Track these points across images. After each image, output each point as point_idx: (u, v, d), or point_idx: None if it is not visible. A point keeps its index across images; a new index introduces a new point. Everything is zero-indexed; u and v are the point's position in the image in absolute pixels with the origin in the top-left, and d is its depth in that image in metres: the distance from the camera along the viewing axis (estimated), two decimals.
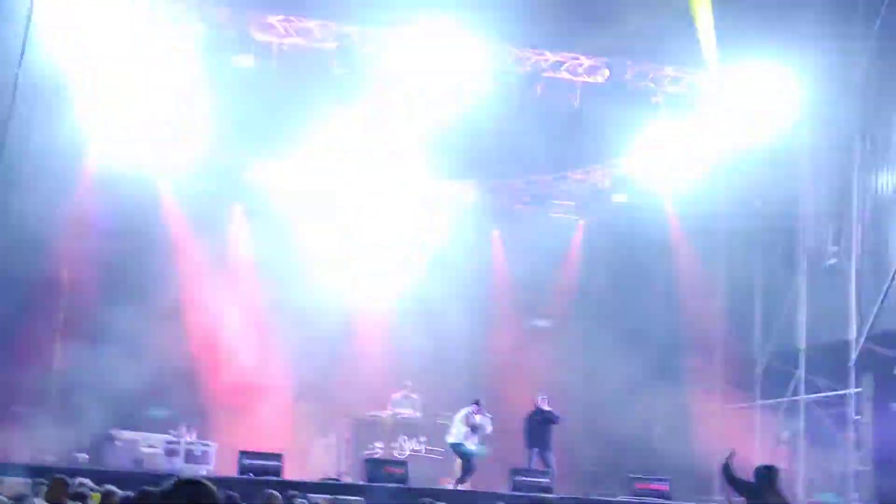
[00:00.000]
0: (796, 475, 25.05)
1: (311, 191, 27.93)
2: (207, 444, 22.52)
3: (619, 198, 29.86)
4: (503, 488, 20.74)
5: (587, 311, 29.52)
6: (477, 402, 21.98)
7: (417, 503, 13.66)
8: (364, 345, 27.23)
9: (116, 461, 21.66)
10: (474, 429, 21.79)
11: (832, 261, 23.93)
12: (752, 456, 26.04)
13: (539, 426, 22.52)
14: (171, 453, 21.98)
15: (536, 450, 22.34)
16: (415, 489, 19.69)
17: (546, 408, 22.64)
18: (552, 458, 22.36)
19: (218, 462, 22.22)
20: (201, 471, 21.49)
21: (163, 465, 21.63)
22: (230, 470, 20.44)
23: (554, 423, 22.64)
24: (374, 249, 28.47)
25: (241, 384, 26.03)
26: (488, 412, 22.01)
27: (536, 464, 22.11)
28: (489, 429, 21.96)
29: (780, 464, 25.89)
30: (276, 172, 28.30)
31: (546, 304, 29.57)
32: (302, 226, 27.89)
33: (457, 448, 21.90)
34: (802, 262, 24.75)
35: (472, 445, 21.80)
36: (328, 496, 17.38)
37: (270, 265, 26.29)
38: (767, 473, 12.28)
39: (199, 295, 26.46)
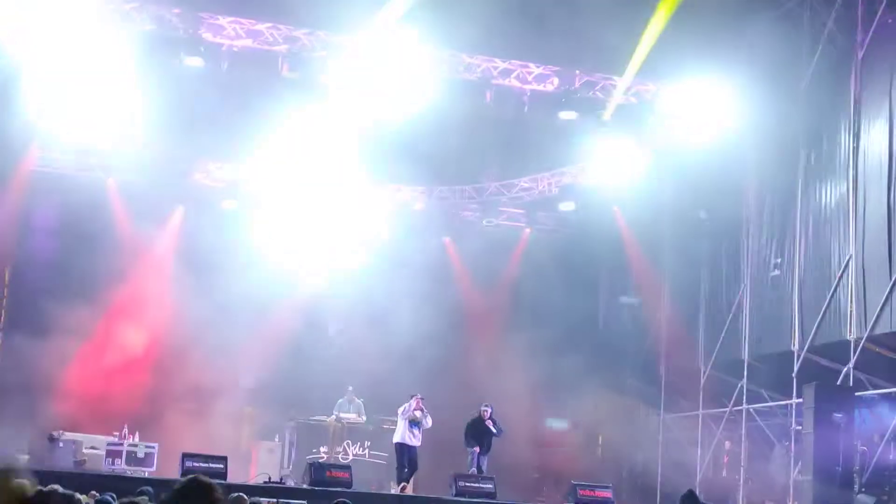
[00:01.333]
0: (737, 484, 25.29)
1: (258, 191, 27.84)
2: (150, 446, 22.35)
3: (567, 206, 30.04)
4: (446, 493, 20.71)
5: (531, 318, 29.58)
6: (415, 396, 21.89)
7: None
8: (309, 349, 27.13)
9: (58, 462, 21.43)
10: (413, 423, 21.69)
11: (775, 272, 24.14)
12: (694, 464, 26.38)
13: (480, 432, 22.55)
14: (112, 455, 21.79)
15: (476, 450, 22.36)
16: (359, 493, 19.68)
17: (488, 420, 22.67)
18: (486, 462, 22.40)
19: (160, 464, 22.06)
20: (143, 473, 21.36)
21: (104, 466, 21.44)
22: (173, 472, 20.32)
23: (496, 436, 22.68)
24: (321, 252, 28.36)
25: (186, 386, 25.87)
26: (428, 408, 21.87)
27: (476, 465, 22.12)
28: (429, 423, 21.80)
29: (722, 472, 26.35)
30: (224, 172, 28.20)
31: (493, 309, 29.54)
32: (248, 226, 27.78)
33: (400, 447, 21.82)
34: (746, 274, 24.98)
35: (413, 441, 21.72)
36: (272, 500, 17.30)
37: (216, 265, 26.11)
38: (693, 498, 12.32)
39: (144, 294, 26.27)
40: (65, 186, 25.95)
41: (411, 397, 21.82)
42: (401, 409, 21.83)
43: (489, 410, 22.69)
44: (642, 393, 29.72)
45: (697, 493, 13.72)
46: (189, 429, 27.76)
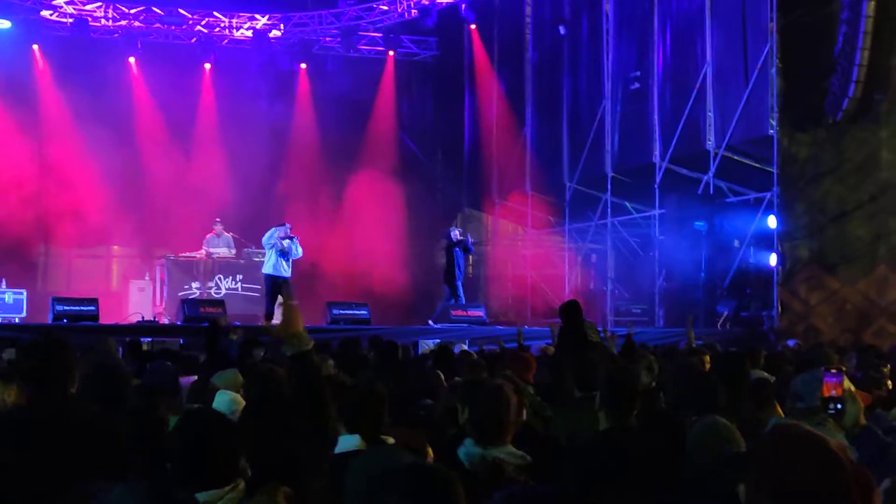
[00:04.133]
0: (605, 294, 25.97)
1: None
2: (18, 293, 22.07)
3: (425, 28, 29.79)
4: (321, 322, 20.87)
5: (401, 145, 29.65)
6: (282, 225, 21.50)
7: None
8: (173, 185, 26.70)
9: None
10: (283, 254, 21.31)
11: (635, 86, 24.39)
12: (561, 277, 26.98)
13: (458, 257, 22.70)
14: None
15: (459, 283, 22.60)
16: (232, 328, 19.72)
17: (460, 237, 22.89)
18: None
19: (30, 310, 21.84)
20: (13, 319, 21.14)
21: None
22: (43, 317, 20.16)
23: (469, 252, 22.91)
24: None
25: (54, 226, 25.49)
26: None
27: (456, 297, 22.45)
28: (299, 252, 21.46)
29: (590, 284, 27.01)
30: None
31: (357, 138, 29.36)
32: None
33: (270, 278, 21.48)
34: (607, 88, 25.18)
35: (284, 271, 21.36)
36: (147, 338, 17.28)
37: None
38: (570, 308, 12.57)
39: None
40: None
41: (278, 227, 21.62)
42: (266, 237, 21.47)
43: (460, 230, 23.00)
44: (510, 212, 30.09)
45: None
46: (56, 272, 27.51)
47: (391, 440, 5.53)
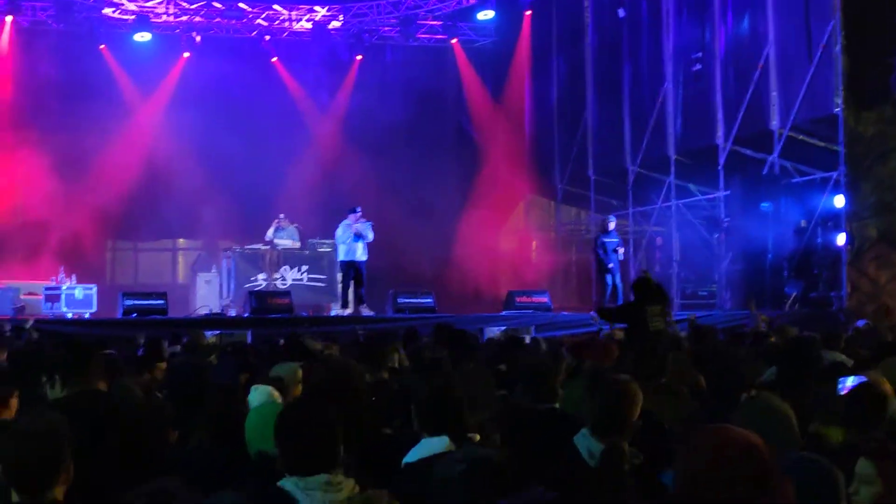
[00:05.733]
0: (671, 277, 25.82)
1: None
2: (88, 288, 22.33)
3: (485, 14, 29.79)
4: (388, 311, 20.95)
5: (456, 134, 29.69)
6: (354, 210, 21.49)
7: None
8: (237, 178, 26.85)
9: None
10: (357, 237, 21.31)
11: (697, 67, 24.20)
12: (626, 261, 26.88)
13: (607, 253, 22.51)
14: (51, 299, 21.75)
15: (610, 276, 22.39)
16: (300, 318, 19.87)
17: (612, 227, 22.81)
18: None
19: (100, 305, 22.09)
20: (84, 315, 21.40)
21: (44, 310, 21.42)
22: (113, 312, 20.38)
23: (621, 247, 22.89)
24: None
25: (121, 221, 25.80)
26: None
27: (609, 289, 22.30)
28: (371, 236, 21.38)
29: (655, 268, 26.87)
30: None
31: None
32: None
33: (345, 264, 21.53)
34: (668, 69, 25.00)
35: (360, 255, 21.38)
36: (215, 331, 17.43)
37: None
38: (644, 281, 12.59)
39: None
40: None
41: (349, 213, 21.63)
42: (338, 231, 21.60)
43: (614, 221, 23.11)
44: (572, 197, 30.01)
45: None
46: (124, 266, 27.87)
47: (477, 437, 5.49)
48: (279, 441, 4.40)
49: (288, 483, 4.27)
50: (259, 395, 6.31)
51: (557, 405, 6.71)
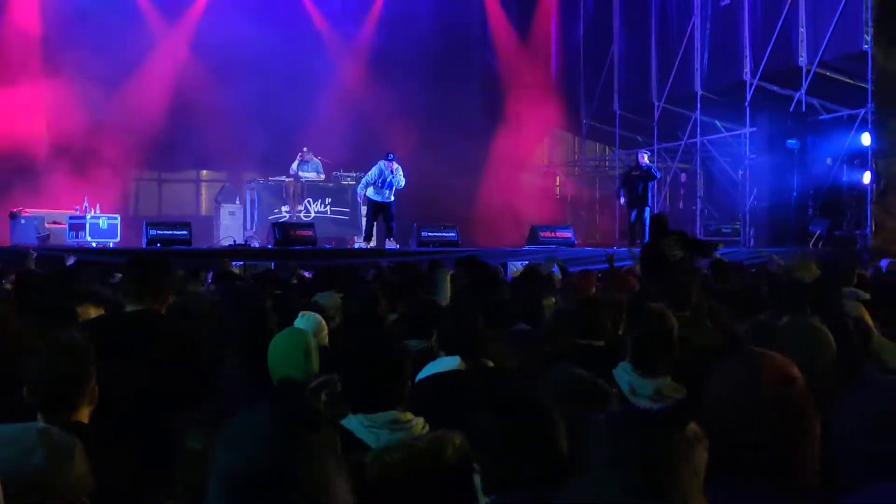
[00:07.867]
0: (695, 213, 25.78)
1: None
2: (112, 218, 22.37)
3: None
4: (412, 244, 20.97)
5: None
6: (388, 158, 21.43)
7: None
8: (261, 110, 26.77)
9: (20, 238, 21.42)
10: (387, 183, 21.32)
11: (725, 1, 23.98)
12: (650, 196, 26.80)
13: (637, 182, 22.14)
14: (76, 228, 21.81)
15: (636, 210, 21.99)
16: (323, 250, 19.93)
17: (646, 163, 22.40)
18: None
19: (123, 234, 22.15)
20: (108, 244, 21.47)
21: (68, 240, 21.49)
22: (137, 242, 20.46)
23: (655, 179, 22.61)
24: None
25: (142, 153, 25.81)
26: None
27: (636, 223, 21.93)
28: (403, 182, 21.44)
29: (679, 204, 26.80)
30: None
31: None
32: None
33: (373, 202, 21.54)
34: (696, 4, 24.77)
35: (386, 197, 21.36)
36: (239, 262, 17.48)
37: None
38: (657, 219, 12.54)
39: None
40: None
41: (384, 160, 21.47)
42: (374, 172, 21.43)
43: (646, 154, 22.77)
44: (597, 132, 29.90)
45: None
46: (148, 198, 27.95)
47: (490, 363, 5.45)
48: (342, 373, 4.22)
49: (352, 421, 3.99)
50: (307, 321, 6.26)
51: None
